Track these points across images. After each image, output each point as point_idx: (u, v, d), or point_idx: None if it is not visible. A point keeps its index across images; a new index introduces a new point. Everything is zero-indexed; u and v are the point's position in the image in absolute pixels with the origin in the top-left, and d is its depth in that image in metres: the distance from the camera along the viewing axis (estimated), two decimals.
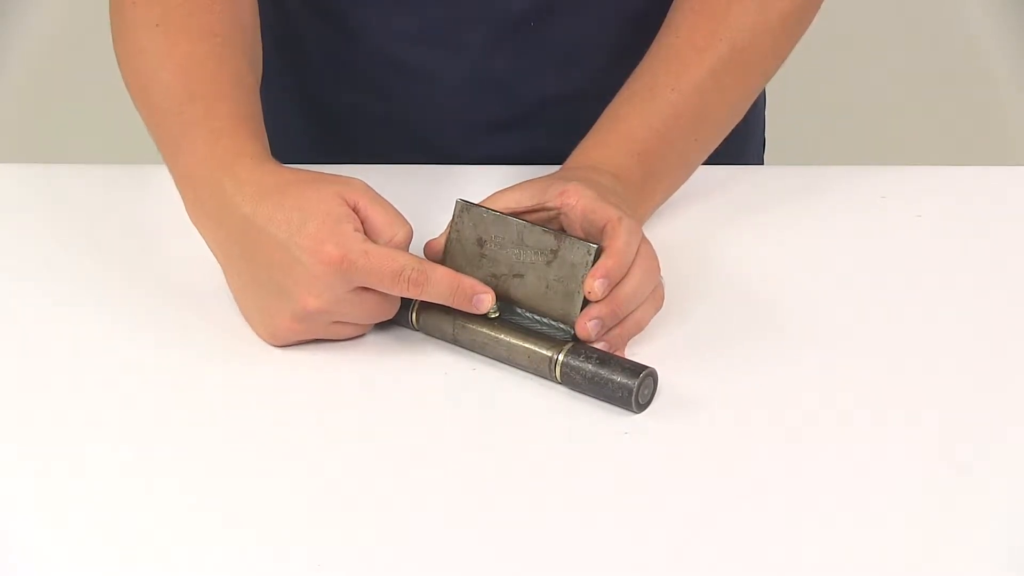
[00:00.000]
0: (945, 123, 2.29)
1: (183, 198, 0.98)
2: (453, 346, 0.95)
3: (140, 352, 0.95)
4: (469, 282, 0.92)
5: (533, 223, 0.95)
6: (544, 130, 1.17)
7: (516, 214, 0.96)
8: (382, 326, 0.96)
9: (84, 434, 0.88)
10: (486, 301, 0.93)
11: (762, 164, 1.34)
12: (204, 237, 0.97)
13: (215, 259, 0.97)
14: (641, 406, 0.90)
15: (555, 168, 1.03)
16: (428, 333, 0.96)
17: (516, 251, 0.94)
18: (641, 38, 1.09)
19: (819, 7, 1.11)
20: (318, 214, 0.91)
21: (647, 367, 0.89)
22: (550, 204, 0.96)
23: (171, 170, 0.99)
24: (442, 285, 0.92)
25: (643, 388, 0.89)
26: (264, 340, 0.95)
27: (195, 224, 0.97)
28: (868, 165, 1.16)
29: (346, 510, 0.83)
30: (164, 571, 0.79)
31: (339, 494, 0.84)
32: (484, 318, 0.94)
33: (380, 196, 0.94)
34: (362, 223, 0.92)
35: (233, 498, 0.84)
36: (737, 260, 1.04)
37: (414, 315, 0.95)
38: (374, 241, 0.92)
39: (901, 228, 1.08)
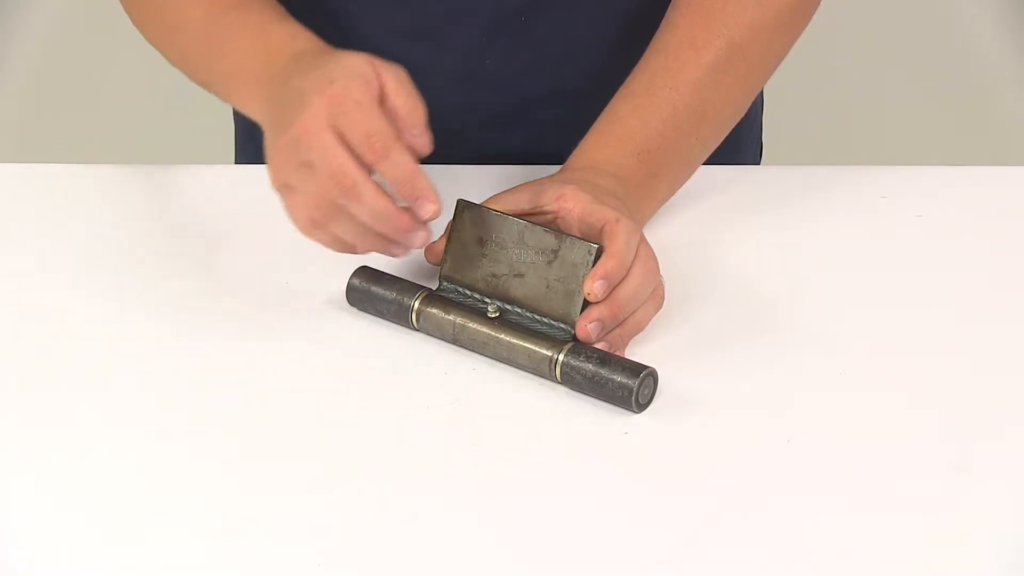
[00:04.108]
0: (945, 123, 2.29)
1: (228, 95, 1.02)
2: (453, 346, 0.95)
3: (141, 352, 0.95)
4: (424, 183, 0.91)
5: (534, 223, 0.95)
6: (537, 127, 1.17)
7: (515, 216, 0.96)
8: (382, 326, 0.96)
9: (82, 432, 0.89)
10: (430, 209, 0.92)
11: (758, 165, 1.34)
12: (254, 118, 0.99)
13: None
14: (641, 406, 0.90)
15: (553, 167, 1.03)
16: (428, 333, 0.96)
17: (517, 251, 0.94)
18: (635, 36, 1.09)
19: (818, 3, 1.11)
20: (342, 68, 0.92)
21: (647, 367, 0.89)
22: (547, 208, 0.96)
23: (210, 80, 1.03)
24: (400, 168, 0.91)
25: (643, 388, 0.89)
26: (273, 187, 0.94)
27: (243, 110, 1.00)
28: (868, 165, 1.16)
29: (346, 510, 0.83)
30: (163, 570, 0.79)
31: (339, 493, 0.84)
32: (484, 318, 0.94)
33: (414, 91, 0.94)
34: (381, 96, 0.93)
35: (232, 497, 0.84)
36: (737, 260, 1.04)
37: (414, 315, 0.95)
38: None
39: (901, 228, 1.08)
